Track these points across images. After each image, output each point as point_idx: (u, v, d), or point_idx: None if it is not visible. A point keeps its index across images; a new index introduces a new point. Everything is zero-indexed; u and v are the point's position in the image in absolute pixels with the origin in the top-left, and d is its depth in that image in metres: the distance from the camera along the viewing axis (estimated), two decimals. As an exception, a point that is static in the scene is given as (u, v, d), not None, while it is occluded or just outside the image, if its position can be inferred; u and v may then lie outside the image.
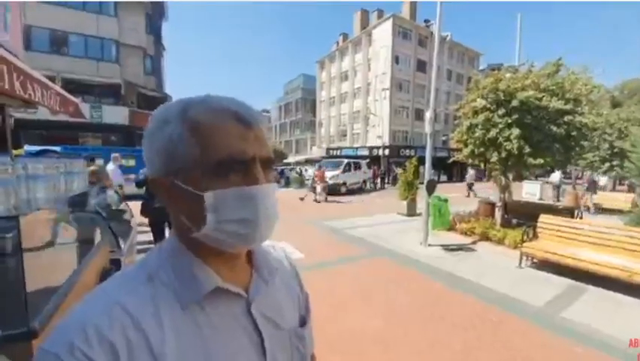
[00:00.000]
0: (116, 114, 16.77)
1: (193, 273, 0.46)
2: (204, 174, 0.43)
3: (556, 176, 14.05)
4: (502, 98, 6.23)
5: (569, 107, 5.88)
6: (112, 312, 0.40)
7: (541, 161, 6.25)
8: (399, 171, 10.23)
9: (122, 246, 2.43)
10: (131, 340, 0.40)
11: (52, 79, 14.85)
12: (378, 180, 21.38)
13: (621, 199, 11.27)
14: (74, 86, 15.25)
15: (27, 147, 8.22)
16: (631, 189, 14.85)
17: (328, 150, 38.63)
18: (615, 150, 13.99)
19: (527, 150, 5.97)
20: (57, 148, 8.23)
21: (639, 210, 5.46)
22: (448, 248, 6.16)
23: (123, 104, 17.38)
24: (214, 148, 0.43)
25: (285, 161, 30.40)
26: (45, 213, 1.81)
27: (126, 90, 17.82)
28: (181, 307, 0.44)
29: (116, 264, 2.23)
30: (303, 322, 0.62)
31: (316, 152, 41.63)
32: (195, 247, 0.47)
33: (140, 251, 3.88)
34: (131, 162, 12.22)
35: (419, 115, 32.51)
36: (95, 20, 16.99)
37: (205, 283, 0.46)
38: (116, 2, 17.52)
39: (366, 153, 31.41)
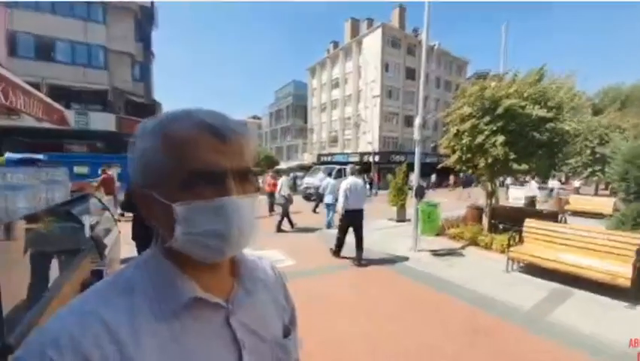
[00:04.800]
0: (102, 121, 16.50)
1: (171, 283, 0.47)
2: (176, 186, 0.44)
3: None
4: (488, 105, 6.38)
5: (551, 114, 6.05)
6: (87, 323, 0.41)
7: (526, 166, 6.40)
8: (389, 177, 10.35)
9: (105, 256, 2.38)
10: (106, 351, 0.40)
11: (37, 85, 14.52)
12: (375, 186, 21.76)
13: (599, 203, 11.68)
14: (60, 93, 14.98)
15: (8, 155, 8.00)
16: (613, 193, 15.38)
17: (319, 156, 38.71)
18: (597, 156, 14.40)
19: (512, 155, 6.10)
20: (40, 156, 8.02)
21: (620, 214, 5.61)
22: (437, 253, 6.22)
23: (110, 111, 17.13)
24: (186, 160, 0.43)
25: (276, 168, 30.25)
26: (24, 224, 1.77)
27: (114, 97, 17.60)
28: (158, 318, 0.45)
29: (98, 275, 2.17)
30: (287, 332, 0.62)
31: (307, 158, 41.68)
32: (175, 257, 0.48)
33: (124, 261, 3.79)
34: (118, 170, 12.03)
35: (409, 122, 32.95)
36: (82, 26, 16.80)
37: (183, 293, 0.46)
38: (104, 9, 17.38)
39: (357, 159, 31.59)
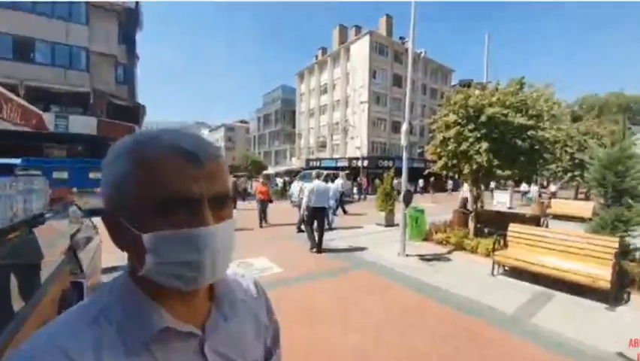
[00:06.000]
0: (83, 124, 15.98)
1: (142, 312, 0.45)
2: (147, 213, 0.42)
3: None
4: (472, 113, 6.54)
5: (531, 122, 6.27)
6: (51, 357, 0.39)
7: (509, 172, 6.58)
8: (377, 182, 10.61)
9: (85, 267, 2.28)
10: None
11: (14, 87, 13.87)
12: (368, 190, 22.05)
13: (579, 207, 12.16)
14: (40, 94, 14.48)
15: (-18, 160, 7.65)
16: (587, 197, 16.04)
17: (308, 161, 38.72)
18: (576, 162, 14.94)
19: (496, 162, 6.27)
20: (17, 160, 7.69)
21: (599, 218, 5.81)
22: (424, 258, 6.28)
23: (92, 114, 16.65)
24: (158, 187, 0.42)
25: (265, 172, 29.91)
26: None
27: (95, 99, 17.11)
28: (128, 351, 0.42)
29: (77, 287, 2.08)
30: (269, 354, 0.61)
31: (296, 163, 41.63)
32: (146, 285, 0.46)
33: (105, 271, 3.66)
34: (99, 175, 11.67)
35: (396, 127, 33.45)
36: (64, 27, 16.35)
37: (154, 323, 0.44)
38: (87, 10, 16.98)
39: (345, 163, 31.77)
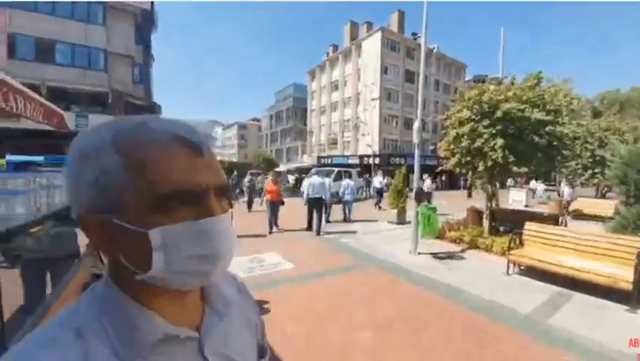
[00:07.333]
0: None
1: (133, 321, 0.41)
2: (148, 209, 0.38)
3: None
4: (487, 109, 6.40)
5: (549, 117, 6.07)
6: None
7: (526, 169, 6.41)
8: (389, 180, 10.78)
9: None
10: None
11: (36, 87, 14.42)
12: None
13: (600, 206, 11.68)
14: (60, 94, 15.01)
15: (8, 157, 7.94)
16: (602, 195, 15.35)
17: (319, 158, 38.75)
18: (597, 158, 14.39)
19: (512, 159, 6.12)
20: (40, 158, 7.99)
21: (621, 217, 5.60)
22: (437, 256, 6.21)
23: (110, 113, 17.15)
24: (160, 181, 0.38)
25: (276, 169, 30.03)
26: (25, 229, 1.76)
27: (113, 99, 17.62)
28: None
29: (99, 278, 2.16)
30: (263, 351, 0.60)
31: (307, 160, 41.73)
32: (137, 290, 0.42)
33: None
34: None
35: (408, 124, 33.04)
36: (82, 29, 16.86)
37: (150, 332, 0.41)
38: (104, 12, 17.46)
39: (356, 161, 31.64)
